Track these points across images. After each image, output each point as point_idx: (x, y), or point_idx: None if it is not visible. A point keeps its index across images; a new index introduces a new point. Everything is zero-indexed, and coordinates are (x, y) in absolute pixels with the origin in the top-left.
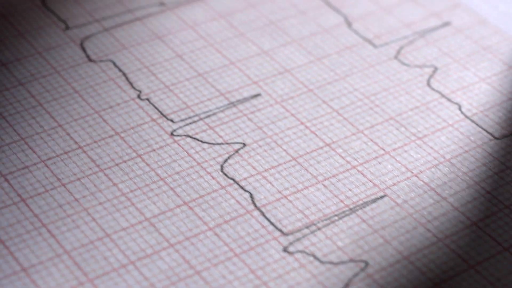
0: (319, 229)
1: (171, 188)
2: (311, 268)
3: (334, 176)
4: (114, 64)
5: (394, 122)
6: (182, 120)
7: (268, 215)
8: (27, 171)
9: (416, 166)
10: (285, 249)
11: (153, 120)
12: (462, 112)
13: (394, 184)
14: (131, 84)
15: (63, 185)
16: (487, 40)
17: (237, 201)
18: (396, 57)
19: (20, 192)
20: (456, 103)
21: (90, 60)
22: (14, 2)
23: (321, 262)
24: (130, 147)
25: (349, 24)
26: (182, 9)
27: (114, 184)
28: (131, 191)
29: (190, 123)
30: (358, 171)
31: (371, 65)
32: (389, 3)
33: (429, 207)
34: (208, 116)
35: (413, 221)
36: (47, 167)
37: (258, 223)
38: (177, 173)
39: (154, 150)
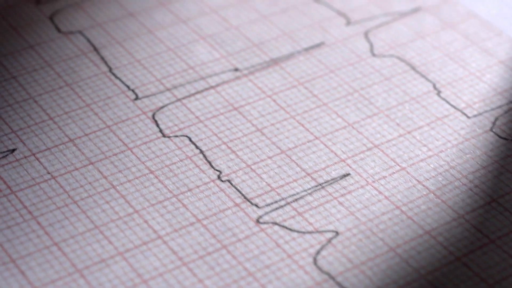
0: None
1: (262, 285)
2: None
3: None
4: (190, 140)
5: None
6: (267, 205)
7: None
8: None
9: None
10: None
11: (237, 205)
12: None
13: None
14: (209, 163)
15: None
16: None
17: None
18: (491, 129)
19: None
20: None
21: (163, 136)
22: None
23: None
24: (214, 236)
25: (438, 92)
26: (258, 76)
27: None
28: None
29: (277, 208)
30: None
31: (465, 138)
32: (476, 68)
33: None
34: (296, 200)
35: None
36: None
37: None
38: (267, 267)
39: (239, 240)
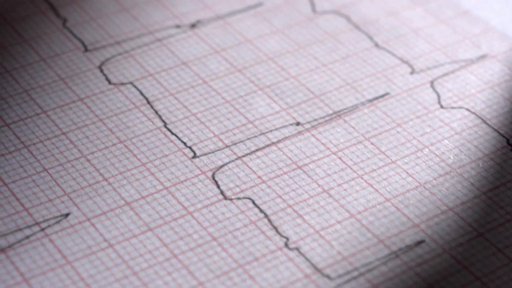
0: None
1: None
2: None
3: None
4: (254, 202)
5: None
6: (340, 276)
7: None
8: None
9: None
10: None
11: (307, 276)
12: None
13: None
14: (275, 228)
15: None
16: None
17: None
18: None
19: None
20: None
21: (225, 198)
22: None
23: None
24: None
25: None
26: (321, 131)
27: None
28: None
29: (350, 280)
30: None
31: None
32: None
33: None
34: (369, 271)
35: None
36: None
37: None
38: None
39: None
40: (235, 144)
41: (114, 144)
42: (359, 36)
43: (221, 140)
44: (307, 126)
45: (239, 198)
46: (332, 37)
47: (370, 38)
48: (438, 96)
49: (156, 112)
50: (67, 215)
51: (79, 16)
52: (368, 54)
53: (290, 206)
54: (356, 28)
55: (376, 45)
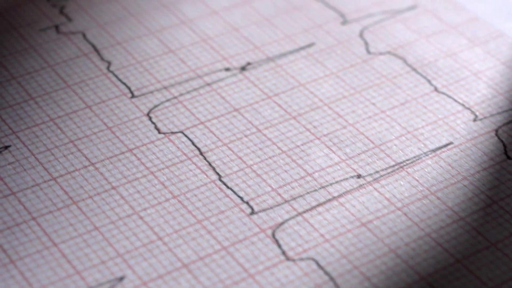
0: None
1: None
2: None
3: None
4: (318, 264)
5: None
6: None
7: None
8: None
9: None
10: None
11: None
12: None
13: None
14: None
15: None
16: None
17: None
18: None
19: None
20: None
21: (287, 259)
22: None
23: None
24: None
25: None
26: (384, 184)
27: None
28: None
29: None
30: None
31: None
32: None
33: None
34: None
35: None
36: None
37: None
38: None
39: None
40: (294, 199)
41: (167, 200)
42: (417, 79)
43: (279, 194)
44: (369, 178)
45: (302, 259)
46: (389, 80)
47: (429, 81)
48: (504, 145)
49: (209, 163)
50: (121, 278)
51: (124, 59)
52: (427, 99)
53: (356, 267)
54: (413, 70)
55: (435, 89)
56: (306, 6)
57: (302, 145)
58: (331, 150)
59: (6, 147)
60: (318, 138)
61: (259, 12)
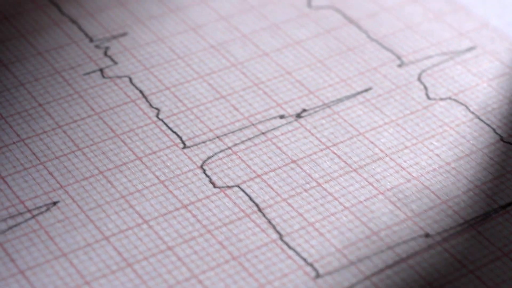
0: None
1: None
2: None
3: None
4: None
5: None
6: None
7: None
8: None
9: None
10: None
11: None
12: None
13: None
14: None
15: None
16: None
17: None
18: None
19: None
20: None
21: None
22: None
23: None
24: None
25: None
26: (454, 245)
27: None
28: None
29: None
30: None
31: None
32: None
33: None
34: None
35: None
36: None
37: None
38: None
39: None
40: (361, 261)
41: (226, 261)
42: (482, 127)
43: (344, 256)
44: (437, 238)
45: None
46: (452, 128)
47: (493, 130)
48: None
49: (269, 221)
50: None
51: (174, 105)
52: (493, 149)
53: None
54: (476, 118)
55: (501, 139)
56: (361, 47)
57: (365, 200)
58: (396, 206)
59: (55, 203)
60: (382, 193)
61: (311, 53)
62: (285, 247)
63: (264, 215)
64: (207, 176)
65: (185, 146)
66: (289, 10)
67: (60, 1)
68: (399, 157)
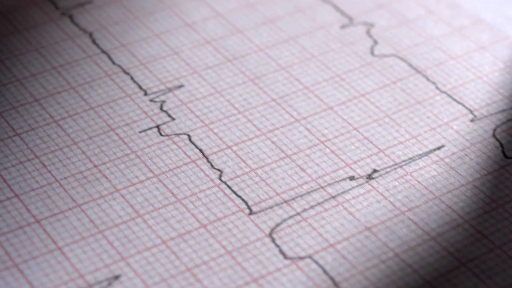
0: None
1: None
2: None
3: None
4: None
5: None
6: None
7: None
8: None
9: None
10: None
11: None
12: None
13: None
14: None
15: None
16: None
17: None
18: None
19: None
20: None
21: None
22: None
23: None
24: None
25: None
26: None
27: None
28: None
29: None
30: None
31: None
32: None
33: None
34: None
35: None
36: None
37: None
38: None
39: None
40: None
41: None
42: None
43: None
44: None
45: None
46: None
47: None
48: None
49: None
50: None
51: (236, 166)
52: None
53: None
54: None
55: None
56: (430, 99)
57: (446, 273)
58: (480, 279)
59: (116, 277)
60: (464, 264)
61: (378, 107)
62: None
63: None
64: (277, 245)
65: (251, 212)
66: (352, 59)
67: (111, 51)
68: (480, 223)
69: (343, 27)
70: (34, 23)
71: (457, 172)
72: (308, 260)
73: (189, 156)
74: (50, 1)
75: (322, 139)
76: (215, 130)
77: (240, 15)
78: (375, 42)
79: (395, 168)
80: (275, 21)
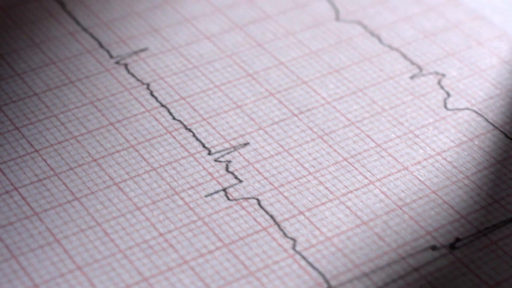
0: None
1: None
2: None
3: None
4: None
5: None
6: None
7: None
8: None
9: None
10: None
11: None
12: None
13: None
14: None
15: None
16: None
17: None
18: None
19: None
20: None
21: None
22: None
23: None
24: None
25: None
26: None
27: None
28: None
29: None
30: None
31: None
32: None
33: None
34: None
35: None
36: None
37: None
38: None
39: None
40: None
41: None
42: None
43: None
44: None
45: None
46: None
47: None
48: None
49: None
50: None
51: (311, 235)
52: None
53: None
54: None
55: None
56: (510, 159)
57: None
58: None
59: None
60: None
61: (455, 167)
62: None
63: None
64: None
65: (329, 287)
66: (425, 113)
67: (170, 105)
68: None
69: (413, 77)
70: (88, 74)
71: None
72: None
73: (259, 223)
74: (104, 49)
75: (399, 203)
76: (286, 194)
77: (303, 65)
78: (448, 94)
79: (479, 237)
80: (341, 71)
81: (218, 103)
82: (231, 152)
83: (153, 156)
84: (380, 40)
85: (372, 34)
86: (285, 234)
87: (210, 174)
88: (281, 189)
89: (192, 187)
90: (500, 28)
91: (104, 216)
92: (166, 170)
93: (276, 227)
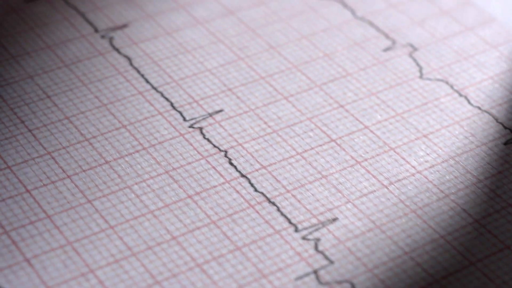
0: None
1: None
2: None
3: None
4: None
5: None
6: None
7: None
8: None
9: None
10: None
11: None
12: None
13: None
14: None
15: None
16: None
17: None
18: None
19: None
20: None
21: None
22: None
23: None
24: None
25: None
26: None
27: None
28: None
29: None
30: None
31: None
32: None
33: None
34: None
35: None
36: None
37: None
38: None
39: None
40: None
41: None
42: None
43: None
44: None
45: None
46: None
47: None
48: None
49: None
50: None
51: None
52: None
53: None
54: None
55: None
56: None
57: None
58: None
59: None
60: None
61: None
62: None
63: None
64: None
65: None
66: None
67: (250, 175)
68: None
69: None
70: (162, 139)
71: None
72: None
73: None
74: (176, 111)
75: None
76: (381, 276)
77: (390, 128)
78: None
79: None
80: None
81: (301, 172)
82: (319, 228)
83: (236, 234)
84: None
85: None
86: None
87: (298, 254)
88: (375, 271)
89: (281, 269)
90: None
91: None
92: (251, 250)
93: None
